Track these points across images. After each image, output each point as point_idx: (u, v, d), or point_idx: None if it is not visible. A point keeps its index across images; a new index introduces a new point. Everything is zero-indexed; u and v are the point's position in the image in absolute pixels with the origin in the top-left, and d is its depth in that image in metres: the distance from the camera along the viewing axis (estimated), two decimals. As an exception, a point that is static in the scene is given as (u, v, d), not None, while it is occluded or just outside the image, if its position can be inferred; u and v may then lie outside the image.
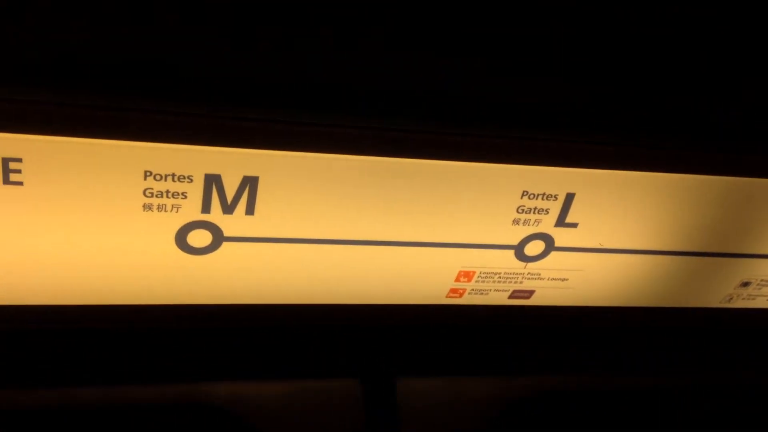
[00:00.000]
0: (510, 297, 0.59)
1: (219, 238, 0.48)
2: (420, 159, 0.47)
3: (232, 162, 0.45)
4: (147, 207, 0.45)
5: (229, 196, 0.46)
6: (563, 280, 0.58)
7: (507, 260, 0.55)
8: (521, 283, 0.58)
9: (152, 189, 0.44)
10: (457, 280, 0.56)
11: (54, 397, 0.53)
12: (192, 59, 0.40)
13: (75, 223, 0.45)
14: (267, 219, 0.48)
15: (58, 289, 0.48)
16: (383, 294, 0.55)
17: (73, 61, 0.38)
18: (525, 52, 0.44)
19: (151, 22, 0.38)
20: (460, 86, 0.44)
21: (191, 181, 0.45)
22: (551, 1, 0.44)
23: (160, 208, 0.45)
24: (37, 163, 0.41)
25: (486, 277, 0.56)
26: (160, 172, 0.44)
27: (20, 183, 0.42)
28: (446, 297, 0.57)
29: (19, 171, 0.41)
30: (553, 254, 0.56)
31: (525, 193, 0.51)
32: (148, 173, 0.44)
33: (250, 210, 0.47)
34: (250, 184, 0.46)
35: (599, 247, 0.56)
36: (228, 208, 0.47)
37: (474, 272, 0.56)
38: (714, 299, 0.64)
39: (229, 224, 0.48)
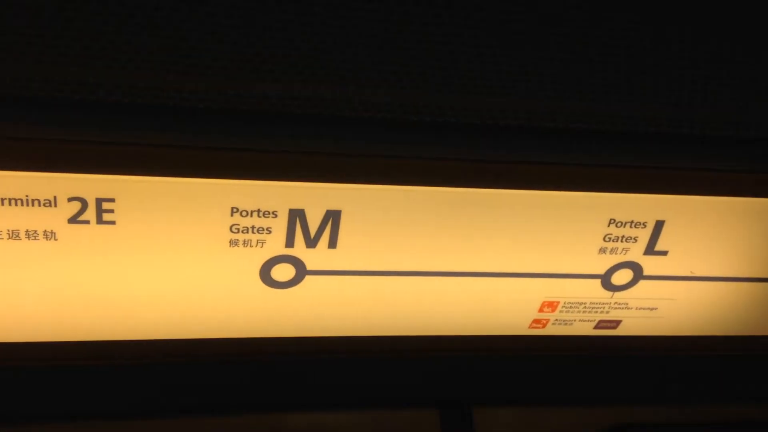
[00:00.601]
0: (596, 327, 0.57)
1: (302, 271, 0.48)
2: (503, 189, 0.46)
3: (315, 196, 0.45)
4: (233, 243, 0.46)
5: (312, 230, 0.46)
6: (652, 309, 0.56)
7: (593, 290, 0.53)
8: (608, 312, 0.56)
9: (239, 225, 0.45)
10: (541, 310, 0.55)
11: (146, 426, 0.54)
12: (274, 95, 0.41)
13: (164, 259, 0.46)
14: (349, 252, 0.48)
15: (146, 324, 0.49)
16: (464, 325, 0.54)
17: (162, 103, 0.39)
18: (612, 78, 0.43)
19: (238, 66, 0.39)
20: (544, 114, 0.43)
21: (276, 216, 0.45)
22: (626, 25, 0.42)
23: (245, 243, 0.46)
24: (129, 203, 0.42)
25: (571, 307, 0.54)
26: (247, 208, 0.44)
27: (113, 222, 0.43)
28: (528, 327, 0.56)
29: (111, 211, 0.42)
30: (642, 283, 0.53)
31: (612, 221, 0.49)
32: (234, 209, 0.44)
33: (332, 243, 0.47)
34: (332, 217, 0.46)
35: (690, 275, 0.54)
36: (311, 242, 0.47)
37: (558, 302, 0.54)
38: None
39: (312, 258, 0.48)
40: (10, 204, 0.41)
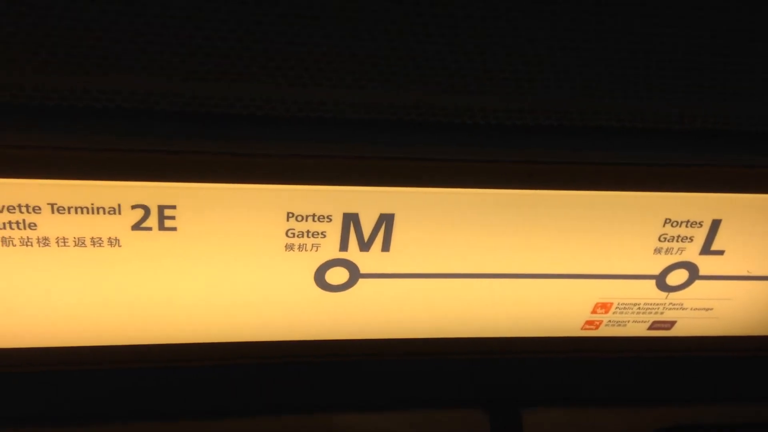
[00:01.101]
0: (649, 328, 0.56)
1: (356, 274, 0.49)
2: (556, 190, 0.46)
3: (369, 200, 0.45)
4: (289, 247, 0.47)
5: (366, 233, 0.47)
6: (707, 309, 0.55)
7: (647, 290, 0.53)
8: (662, 313, 0.55)
9: (294, 229, 0.46)
10: (594, 311, 0.54)
11: (209, 426, 0.56)
12: (328, 101, 0.41)
13: (222, 263, 0.47)
14: (402, 255, 0.48)
15: (204, 327, 0.50)
16: (516, 326, 0.54)
17: (220, 112, 0.40)
18: (666, 77, 0.43)
19: (291, 73, 0.39)
20: (595, 113, 0.43)
21: (330, 220, 0.46)
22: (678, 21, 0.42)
23: (300, 247, 0.47)
24: (190, 209, 0.43)
25: (624, 308, 0.54)
26: (302, 213, 0.45)
27: (174, 228, 0.44)
28: (581, 329, 0.56)
29: (173, 217, 0.44)
30: (698, 283, 0.53)
31: (667, 221, 0.48)
32: (290, 214, 0.45)
33: (385, 247, 0.48)
34: (386, 221, 0.46)
35: (747, 274, 0.53)
36: (365, 246, 0.47)
37: (612, 303, 0.54)
38: None
39: (366, 261, 0.48)
40: (76, 212, 0.42)
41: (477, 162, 0.44)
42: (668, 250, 0.50)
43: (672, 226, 0.49)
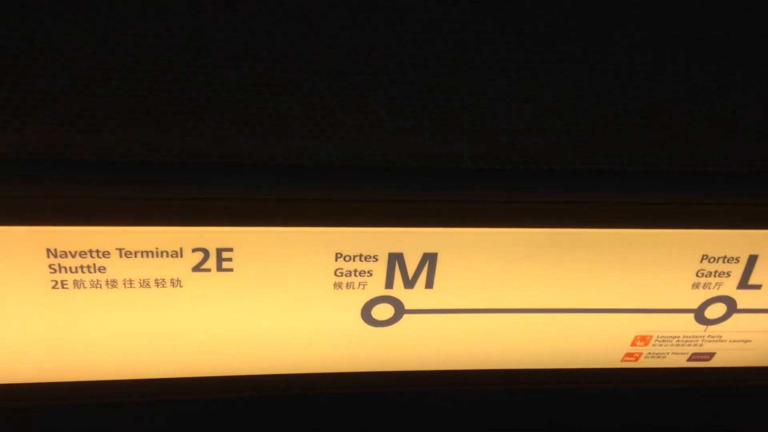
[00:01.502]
0: (689, 360, 0.57)
1: (400, 310, 0.51)
2: (596, 228, 0.48)
3: (413, 241, 0.47)
4: (337, 285, 0.49)
5: (411, 272, 0.49)
6: (746, 341, 0.56)
7: (686, 324, 0.54)
8: (701, 345, 0.56)
9: (342, 269, 0.48)
10: (633, 344, 0.55)
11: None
12: (378, 153, 0.44)
13: (274, 301, 0.49)
14: (445, 291, 0.50)
15: (258, 360, 0.53)
16: (557, 359, 0.56)
17: (276, 163, 0.42)
18: (703, 121, 0.44)
19: (340, 129, 0.42)
20: (634, 157, 0.45)
21: (376, 260, 0.48)
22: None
23: (348, 285, 0.49)
24: (246, 252, 0.46)
25: (664, 341, 0.55)
26: (350, 253, 0.48)
27: (231, 270, 0.47)
28: (621, 361, 0.57)
29: (230, 259, 0.46)
30: (735, 316, 0.54)
31: (705, 257, 0.50)
32: (339, 255, 0.48)
33: (429, 284, 0.50)
34: (429, 260, 0.49)
35: None
36: (409, 283, 0.50)
37: (651, 336, 0.55)
38: None
39: (410, 298, 0.50)
40: (142, 256, 0.45)
41: (517, 203, 0.46)
42: (706, 285, 0.51)
43: (709, 261, 0.50)
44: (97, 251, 0.45)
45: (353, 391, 0.55)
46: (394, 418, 0.61)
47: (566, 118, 0.43)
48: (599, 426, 0.65)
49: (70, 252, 0.44)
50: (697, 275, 0.50)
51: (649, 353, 0.56)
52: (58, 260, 0.45)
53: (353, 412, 0.59)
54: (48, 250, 0.44)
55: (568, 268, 0.49)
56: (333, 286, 0.49)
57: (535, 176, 0.45)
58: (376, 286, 0.50)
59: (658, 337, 0.55)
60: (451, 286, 0.50)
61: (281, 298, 0.49)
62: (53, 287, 0.46)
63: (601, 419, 0.65)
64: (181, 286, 0.47)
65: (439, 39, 0.39)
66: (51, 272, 0.45)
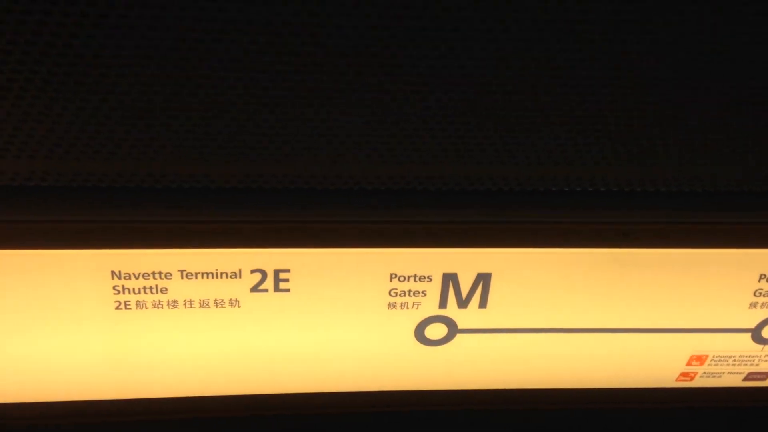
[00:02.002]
0: (745, 379, 0.56)
1: (454, 330, 0.51)
2: (653, 248, 0.47)
3: (467, 261, 0.48)
4: (391, 305, 0.49)
5: (464, 291, 0.49)
6: (805, 361, 0.55)
7: (743, 343, 0.53)
8: (757, 365, 0.55)
9: (396, 289, 0.49)
10: (689, 364, 0.55)
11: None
12: (424, 175, 0.44)
13: (329, 320, 0.50)
14: (499, 311, 0.50)
15: (312, 378, 0.54)
16: (611, 378, 0.55)
17: (335, 187, 0.43)
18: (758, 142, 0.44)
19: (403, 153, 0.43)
20: (691, 176, 0.45)
21: (430, 280, 0.48)
22: None
23: (402, 305, 0.49)
24: (302, 272, 0.47)
25: (720, 360, 0.54)
26: (404, 274, 0.48)
27: (287, 290, 0.48)
28: (676, 380, 0.56)
29: (287, 280, 0.47)
30: (794, 336, 0.53)
31: (763, 276, 0.49)
32: (393, 275, 0.48)
33: (483, 304, 0.50)
34: (483, 280, 0.49)
35: None
36: (463, 303, 0.50)
37: (707, 356, 0.54)
38: None
39: (464, 317, 0.51)
40: (202, 277, 0.46)
41: (570, 224, 0.46)
42: (764, 305, 0.50)
43: (768, 281, 0.49)
44: (160, 273, 0.46)
45: (406, 409, 0.55)
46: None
47: (620, 140, 0.43)
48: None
49: (133, 274, 0.45)
50: (754, 294, 0.50)
51: (705, 373, 0.55)
52: (122, 282, 0.46)
53: (406, 430, 0.59)
54: (113, 272, 0.45)
55: (623, 287, 0.49)
56: (387, 306, 0.49)
57: (590, 197, 0.46)
58: (430, 306, 0.50)
59: (714, 356, 0.54)
60: (505, 305, 0.50)
61: (336, 317, 0.50)
62: (116, 308, 0.47)
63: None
64: (239, 306, 0.48)
65: (496, 56, 0.39)
66: (115, 293, 0.46)
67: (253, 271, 0.47)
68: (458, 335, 0.52)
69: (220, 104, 0.38)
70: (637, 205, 0.46)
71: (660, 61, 0.38)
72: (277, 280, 0.47)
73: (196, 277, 0.46)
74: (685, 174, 0.44)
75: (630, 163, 0.44)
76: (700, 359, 0.54)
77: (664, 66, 0.39)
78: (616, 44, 0.37)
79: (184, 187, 0.41)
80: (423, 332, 0.51)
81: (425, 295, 0.49)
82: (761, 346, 0.53)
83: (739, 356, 0.54)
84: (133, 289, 0.46)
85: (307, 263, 0.47)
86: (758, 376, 0.56)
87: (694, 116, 0.42)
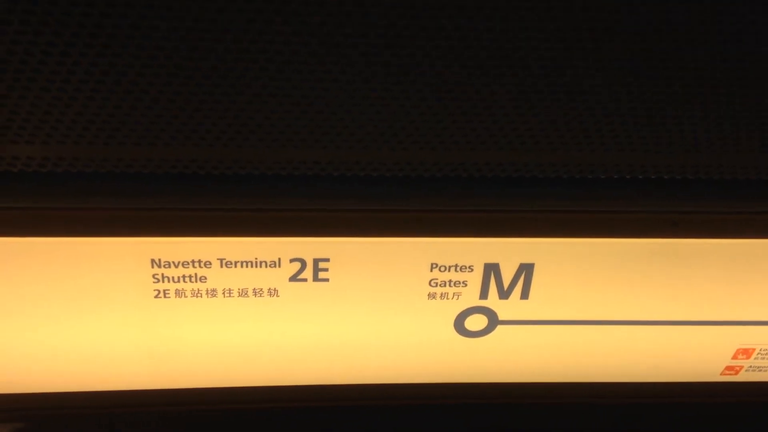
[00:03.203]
0: (792, 374, 0.55)
1: (494, 321, 0.50)
2: (699, 239, 0.46)
3: (510, 251, 0.47)
4: (431, 295, 0.49)
5: (506, 282, 0.48)
6: None
7: (792, 337, 0.52)
8: (806, 359, 0.54)
9: (437, 279, 0.48)
10: (735, 357, 0.53)
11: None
12: (469, 162, 0.43)
13: (368, 311, 0.49)
14: (541, 303, 0.49)
15: (349, 368, 0.53)
16: (653, 372, 0.54)
17: (377, 174, 0.42)
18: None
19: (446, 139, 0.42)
20: (745, 168, 0.43)
21: (472, 270, 0.48)
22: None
23: (442, 296, 0.49)
24: (342, 262, 0.46)
25: (766, 354, 0.53)
26: (445, 264, 0.47)
27: (327, 279, 0.47)
28: (720, 374, 0.55)
29: (326, 269, 0.47)
30: None
31: (815, 268, 0.48)
32: (434, 265, 0.47)
33: (524, 295, 0.49)
34: (526, 270, 0.48)
35: None
36: (504, 294, 0.49)
37: (753, 349, 0.53)
38: None
39: (505, 308, 0.50)
40: (242, 266, 0.46)
41: (616, 213, 0.45)
42: (816, 297, 0.49)
43: (819, 272, 0.48)
44: (200, 261, 0.45)
45: (445, 401, 0.54)
46: (485, 428, 0.60)
47: (665, 127, 0.42)
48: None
49: (173, 262, 0.45)
50: (805, 286, 0.48)
51: (751, 366, 0.54)
52: (162, 270, 0.45)
53: (444, 422, 0.59)
54: (153, 260, 0.45)
55: (668, 279, 0.48)
56: (427, 296, 0.49)
57: (638, 185, 0.44)
58: (471, 297, 0.49)
59: (761, 350, 0.53)
60: (547, 297, 0.49)
61: (375, 308, 0.49)
62: (155, 296, 0.47)
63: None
64: (278, 296, 0.48)
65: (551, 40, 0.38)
66: (154, 282, 0.46)
67: (292, 260, 0.46)
68: (499, 326, 0.51)
69: (265, 90, 0.37)
70: (688, 193, 0.44)
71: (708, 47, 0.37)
72: (316, 270, 0.47)
73: (236, 266, 0.46)
74: (737, 161, 0.43)
75: (678, 151, 0.43)
76: (746, 353, 0.53)
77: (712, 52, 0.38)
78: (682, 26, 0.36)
79: (226, 174, 0.40)
80: (463, 323, 0.51)
81: (466, 285, 0.48)
82: (811, 340, 0.52)
83: (787, 350, 0.53)
84: (173, 278, 0.46)
85: (346, 252, 0.46)
86: (806, 371, 0.55)
87: (746, 101, 0.41)
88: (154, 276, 0.46)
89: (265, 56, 0.35)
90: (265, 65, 0.35)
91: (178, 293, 0.47)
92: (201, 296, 0.47)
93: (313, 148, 0.40)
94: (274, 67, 0.36)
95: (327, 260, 0.46)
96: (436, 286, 0.48)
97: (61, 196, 0.41)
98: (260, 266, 0.46)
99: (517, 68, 0.37)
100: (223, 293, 0.47)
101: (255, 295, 0.47)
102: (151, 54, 0.33)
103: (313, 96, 0.37)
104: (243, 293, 0.47)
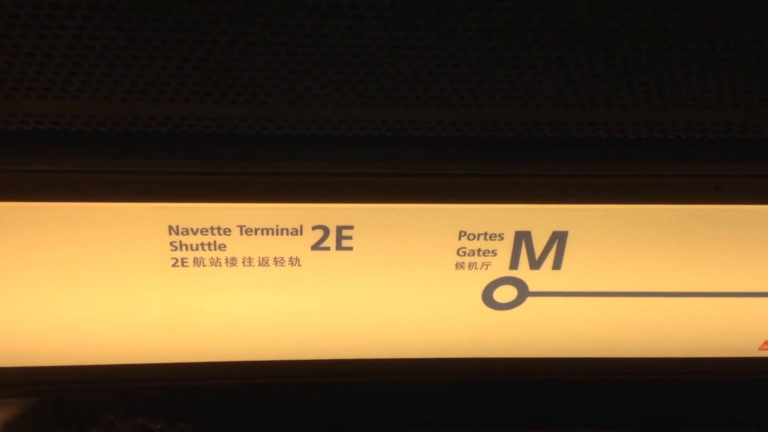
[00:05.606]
0: (834, 349, 0.53)
1: (524, 293, 0.48)
2: (742, 204, 0.44)
3: (542, 218, 0.45)
4: (459, 265, 0.47)
5: (538, 251, 0.46)
6: None
7: (836, 310, 0.49)
8: None
9: (465, 248, 0.46)
10: (775, 331, 0.51)
11: None
12: (502, 121, 0.41)
13: (394, 281, 0.47)
14: (573, 273, 0.47)
15: (374, 342, 0.51)
16: (689, 347, 0.52)
17: (405, 134, 0.40)
18: None
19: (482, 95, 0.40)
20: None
21: (502, 239, 0.46)
22: None
23: (471, 266, 0.47)
24: (366, 229, 0.44)
25: (809, 328, 0.51)
26: (474, 232, 0.45)
27: (350, 248, 0.45)
28: (759, 349, 0.53)
29: (350, 237, 0.45)
30: None
31: None
32: (462, 233, 0.45)
33: (557, 265, 0.47)
34: (558, 239, 0.46)
35: None
36: (535, 264, 0.47)
37: (795, 323, 0.50)
38: None
39: (535, 279, 0.48)
40: (262, 234, 0.44)
41: (655, 177, 0.43)
42: None
43: None
44: (219, 228, 0.44)
45: (471, 377, 0.53)
46: (511, 405, 0.58)
47: (710, 82, 0.40)
48: (734, 419, 0.61)
49: (191, 229, 0.43)
50: None
51: (792, 342, 0.52)
52: (180, 237, 0.44)
53: (471, 397, 0.57)
54: (170, 227, 0.43)
55: (708, 248, 0.46)
56: (455, 266, 0.47)
57: (679, 146, 0.42)
58: (500, 267, 0.47)
59: (803, 324, 0.50)
60: (581, 267, 0.47)
61: (400, 278, 0.47)
62: (173, 265, 0.45)
63: (736, 412, 0.60)
64: (299, 265, 0.46)
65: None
66: (172, 250, 0.44)
67: (314, 228, 0.44)
68: (529, 298, 0.49)
69: (290, 41, 0.35)
70: (731, 155, 0.42)
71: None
72: (339, 238, 0.45)
73: (256, 234, 0.44)
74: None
75: (721, 108, 0.40)
76: (788, 326, 0.51)
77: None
78: None
79: (248, 134, 0.38)
80: (491, 295, 0.48)
81: (495, 254, 0.46)
82: None
83: (831, 324, 0.50)
84: (191, 245, 0.44)
85: (371, 219, 0.44)
86: None
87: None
88: (171, 243, 0.44)
89: (291, 11, 0.33)
90: (286, 21, 0.33)
91: (197, 262, 0.45)
92: (220, 265, 0.45)
93: (341, 105, 0.38)
94: (296, 22, 0.34)
95: (351, 227, 0.45)
96: (465, 255, 0.46)
97: (75, 158, 0.40)
98: (281, 234, 0.44)
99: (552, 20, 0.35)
100: (243, 262, 0.45)
101: (276, 264, 0.46)
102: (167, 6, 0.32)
103: (341, 45, 0.36)
104: (263, 262, 0.45)
